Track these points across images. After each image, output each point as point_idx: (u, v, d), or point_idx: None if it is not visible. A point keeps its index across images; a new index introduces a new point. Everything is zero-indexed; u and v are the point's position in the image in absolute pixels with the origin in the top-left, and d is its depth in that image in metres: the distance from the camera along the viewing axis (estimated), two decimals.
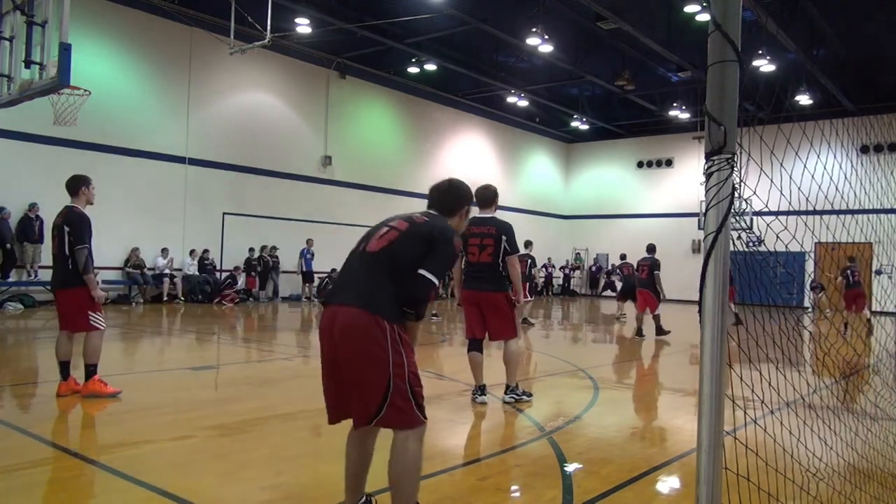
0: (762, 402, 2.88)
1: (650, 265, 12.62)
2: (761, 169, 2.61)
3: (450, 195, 3.29)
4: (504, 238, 5.77)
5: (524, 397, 5.97)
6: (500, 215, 6.06)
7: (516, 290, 5.90)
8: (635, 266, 13.61)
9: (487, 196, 5.87)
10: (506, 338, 5.93)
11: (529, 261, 16.03)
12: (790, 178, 3.14)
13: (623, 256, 18.54)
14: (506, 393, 5.98)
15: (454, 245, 2.94)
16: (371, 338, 2.68)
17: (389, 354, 2.68)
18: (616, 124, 28.90)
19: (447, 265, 2.95)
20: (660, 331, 12.59)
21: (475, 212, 5.45)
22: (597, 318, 18.52)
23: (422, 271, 2.79)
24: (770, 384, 2.82)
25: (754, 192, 2.50)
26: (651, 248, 12.90)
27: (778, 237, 3.04)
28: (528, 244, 15.94)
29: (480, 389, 5.91)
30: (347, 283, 2.88)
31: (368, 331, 2.69)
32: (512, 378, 6.00)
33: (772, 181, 2.91)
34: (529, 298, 14.20)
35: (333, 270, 18.90)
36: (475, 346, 5.99)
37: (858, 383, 7.60)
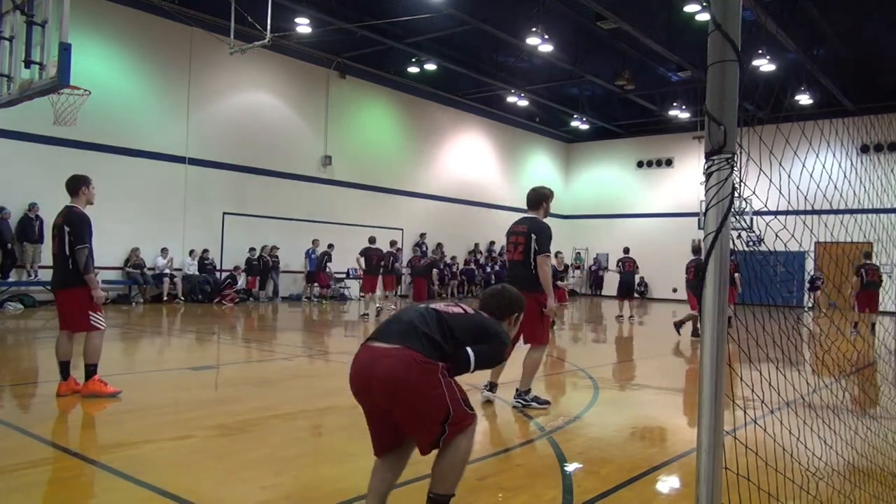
0: (762, 401, 2.88)
1: (697, 266, 12.43)
2: (760, 169, 2.61)
3: (502, 300, 3.26)
4: (534, 237, 5.71)
5: (533, 404, 5.79)
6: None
7: (546, 292, 5.73)
8: (685, 268, 13.30)
9: (533, 197, 5.95)
10: (533, 342, 5.82)
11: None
12: (789, 177, 3.14)
13: (626, 250, 18.41)
14: (515, 396, 5.85)
15: (504, 350, 3.03)
16: (424, 379, 2.71)
17: (444, 388, 2.73)
18: (616, 124, 28.90)
19: (489, 362, 3.03)
20: (695, 332, 12.21)
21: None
22: (597, 317, 18.52)
23: (469, 349, 2.86)
24: (770, 384, 2.82)
25: (753, 192, 2.50)
26: (696, 250, 12.69)
27: (777, 236, 3.04)
28: (626, 250, 17.22)
29: (490, 386, 5.92)
30: (393, 322, 2.90)
31: (420, 371, 2.70)
32: (525, 383, 5.84)
33: (770, 181, 2.91)
34: (562, 302, 13.50)
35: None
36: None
37: (858, 381, 7.60)
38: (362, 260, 15.12)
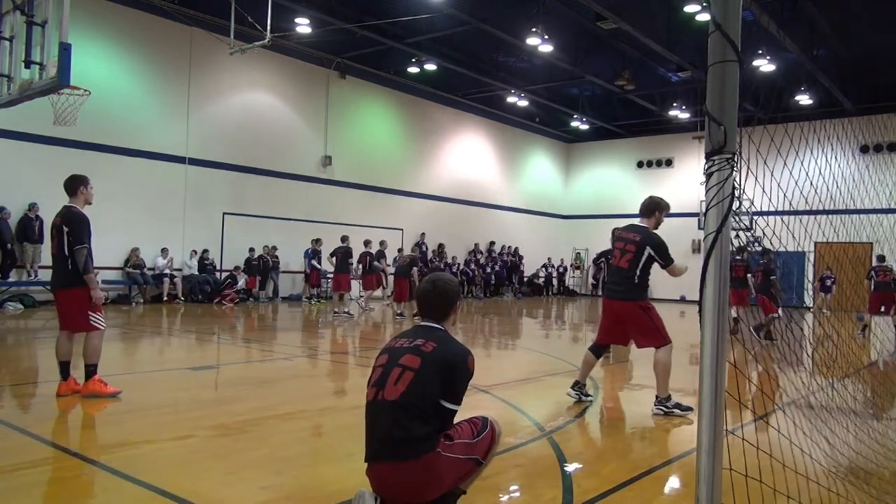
0: (762, 402, 2.88)
1: (764, 270, 12.11)
2: (751, 172, 2.61)
3: (437, 301, 3.10)
4: (649, 250, 5.61)
5: (676, 410, 5.52)
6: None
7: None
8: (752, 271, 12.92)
9: (647, 205, 5.87)
10: (652, 345, 5.71)
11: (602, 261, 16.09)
12: (790, 176, 3.14)
13: (492, 243, 18.04)
14: (655, 404, 5.67)
15: (470, 366, 2.96)
16: (432, 485, 2.82)
17: (458, 457, 2.86)
18: (616, 124, 28.89)
19: (466, 387, 3.00)
20: (768, 335, 11.78)
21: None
22: (596, 318, 18.50)
23: (445, 403, 2.87)
24: (777, 384, 2.82)
25: (762, 191, 2.50)
26: (741, 249, 12.60)
27: (774, 233, 3.04)
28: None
29: (577, 385, 6.01)
30: (379, 439, 2.88)
31: (427, 483, 2.81)
32: (661, 388, 5.63)
33: (771, 178, 2.91)
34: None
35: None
36: (595, 348, 6.08)
37: (860, 381, 7.60)
38: (333, 259, 15.79)
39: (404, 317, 15.11)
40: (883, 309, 13.67)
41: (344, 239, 16.01)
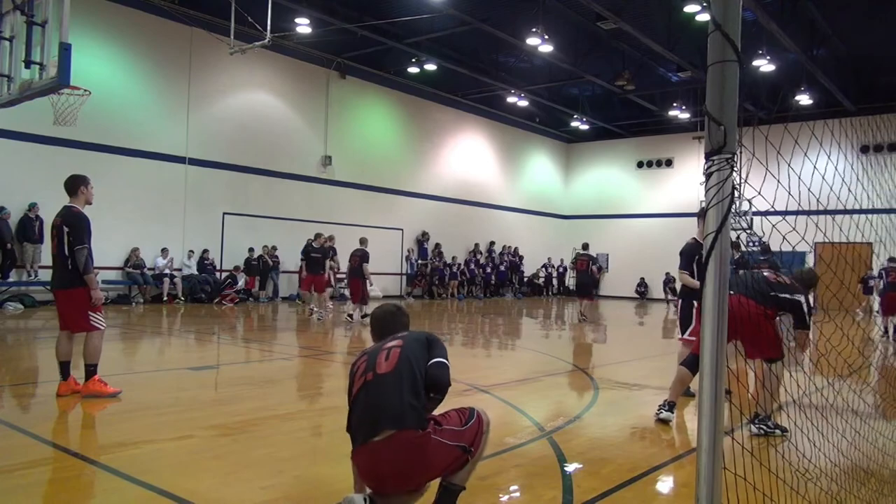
0: (763, 402, 2.88)
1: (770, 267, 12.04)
2: (755, 170, 2.61)
3: (404, 318, 3.46)
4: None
5: (776, 431, 4.97)
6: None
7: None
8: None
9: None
10: (767, 357, 5.16)
11: (590, 261, 15.87)
12: (794, 176, 3.14)
13: (585, 246, 17.23)
14: (752, 422, 5.07)
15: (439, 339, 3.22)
16: (420, 467, 2.88)
17: (445, 441, 2.91)
18: (616, 124, 28.91)
19: (446, 354, 3.15)
20: None
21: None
22: (596, 318, 18.51)
23: (437, 359, 3.05)
24: (796, 383, 2.82)
25: (760, 192, 2.50)
26: (764, 251, 12.45)
27: (778, 231, 3.04)
28: (585, 246, 16.60)
29: (668, 406, 5.34)
30: (373, 413, 2.92)
31: (416, 464, 2.86)
32: (765, 405, 5.04)
33: (774, 179, 2.90)
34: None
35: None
36: (688, 361, 5.36)
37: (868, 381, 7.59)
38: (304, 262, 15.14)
39: (353, 321, 13.45)
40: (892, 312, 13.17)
41: (313, 237, 15.17)
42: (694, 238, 6.56)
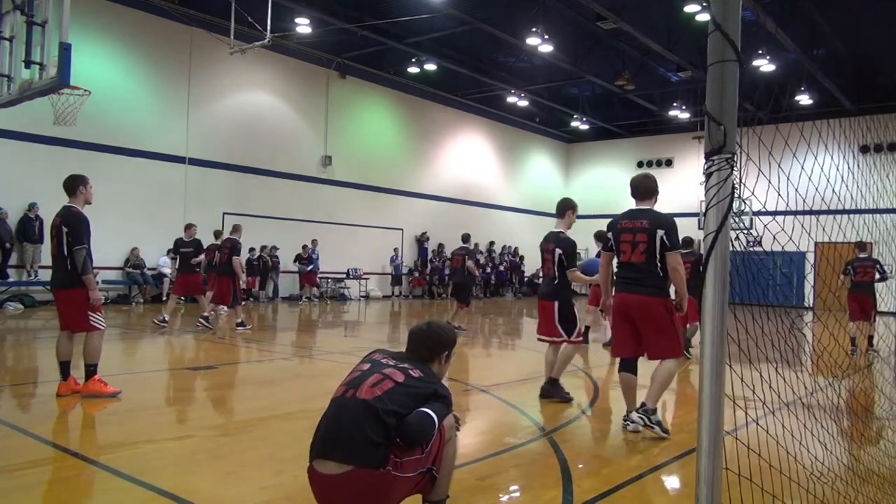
0: (762, 402, 2.88)
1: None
2: (755, 170, 2.61)
3: (429, 340, 3.11)
4: (662, 232, 4.79)
5: (655, 427, 4.87)
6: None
7: (680, 295, 4.95)
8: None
9: (646, 186, 5.03)
10: (666, 356, 4.95)
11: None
12: (794, 176, 3.14)
13: (465, 238, 14.22)
14: (637, 409, 4.98)
15: (450, 405, 2.94)
16: (385, 496, 2.71)
17: (403, 477, 2.73)
18: (616, 124, 28.91)
19: (442, 419, 2.86)
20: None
21: (632, 204, 5.01)
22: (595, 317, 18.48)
23: (422, 408, 2.78)
24: (781, 383, 2.82)
25: (752, 193, 2.50)
26: (862, 246, 10.91)
27: (772, 235, 3.04)
28: (465, 238, 14.11)
29: (637, 414, 5.00)
30: (334, 436, 2.73)
31: (380, 493, 2.69)
32: (653, 399, 4.93)
33: (769, 181, 2.91)
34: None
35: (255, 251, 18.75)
36: (626, 365, 5.12)
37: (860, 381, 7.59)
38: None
39: (213, 327, 11.73)
40: (861, 317, 10.74)
41: (217, 234, 13.63)
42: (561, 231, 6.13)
